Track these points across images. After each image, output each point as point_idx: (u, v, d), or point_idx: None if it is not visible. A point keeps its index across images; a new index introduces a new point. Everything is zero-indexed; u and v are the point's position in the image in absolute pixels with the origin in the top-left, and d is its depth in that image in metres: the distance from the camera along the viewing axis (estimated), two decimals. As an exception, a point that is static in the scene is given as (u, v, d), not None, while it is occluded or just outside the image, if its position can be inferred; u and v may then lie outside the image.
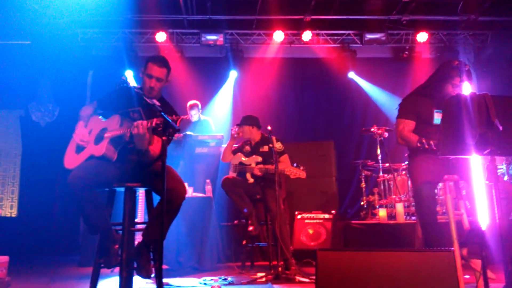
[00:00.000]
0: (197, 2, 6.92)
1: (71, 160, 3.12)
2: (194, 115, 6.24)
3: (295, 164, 4.50)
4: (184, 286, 3.76)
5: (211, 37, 7.41)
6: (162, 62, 3.19)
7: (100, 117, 3.22)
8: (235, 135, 4.85)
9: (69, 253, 5.89)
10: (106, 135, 3.03)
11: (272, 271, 4.08)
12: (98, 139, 3.07)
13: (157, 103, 2.87)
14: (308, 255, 5.01)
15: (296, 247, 5.31)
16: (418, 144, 3.14)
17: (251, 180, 4.69)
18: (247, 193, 4.68)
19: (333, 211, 5.60)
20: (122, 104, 3.18)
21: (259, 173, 4.64)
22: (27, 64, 7.07)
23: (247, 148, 4.90)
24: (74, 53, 7.08)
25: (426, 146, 3.09)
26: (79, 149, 3.13)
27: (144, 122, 2.78)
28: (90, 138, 3.12)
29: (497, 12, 7.11)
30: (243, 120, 4.90)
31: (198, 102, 6.41)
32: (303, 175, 4.44)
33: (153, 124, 2.67)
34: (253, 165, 4.72)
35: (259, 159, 4.73)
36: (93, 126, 3.18)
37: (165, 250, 2.66)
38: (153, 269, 2.95)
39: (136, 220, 3.24)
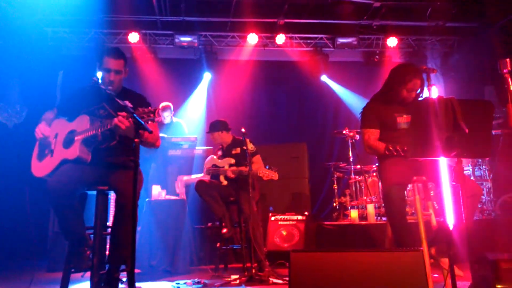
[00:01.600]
0: (171, 3, 6.88)
1: (39, 166, 3.03)
2: (167, 117, 6.18)
3: (267, 167, 4.55)
4: (157, 290, 3.73)
5: (185, 39, 7.37)
6: (118, 53, 3.10)
7: (65, 119, 3.13)
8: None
9: (37, 258, 5.73)
10: (77, 137, 2.97)
11: (245, 273, 4.08)
12: (68, 142, 2.99)
13: (129, 104, 2.81)
14: (282, 256, 5.05)
15: (270, 248, 5.33)
16: (386, 152, 3.20)
17: (225, 183, 4.69)
18: (220, 196, 4.68)
19: (306, 212, 5.65)
20: (87, 102, 3.09)
21: (232, 175, 4.65)
22: (-7, 64, 6.85)
23: (219, 152, 4.92)
24: (43, 52, 6.89)
25: (394, 153, 3.15)
26: (43, 154, 3.06)
27: (125, 117, 2.74)
28: (58, 142, 3.04)
29: (463, 19, 7.34)
30: (211, 127, 4.90)
31: (170, 104, 6.35)
32: (275, 176, 4.49)
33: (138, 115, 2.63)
34: (226, 167, 4.72)
35: (232, 161, 4.74)
36: (58, 129, 3.09)
37: (137, 253, 2.62)
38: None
39: (108, 223, 3.19)
